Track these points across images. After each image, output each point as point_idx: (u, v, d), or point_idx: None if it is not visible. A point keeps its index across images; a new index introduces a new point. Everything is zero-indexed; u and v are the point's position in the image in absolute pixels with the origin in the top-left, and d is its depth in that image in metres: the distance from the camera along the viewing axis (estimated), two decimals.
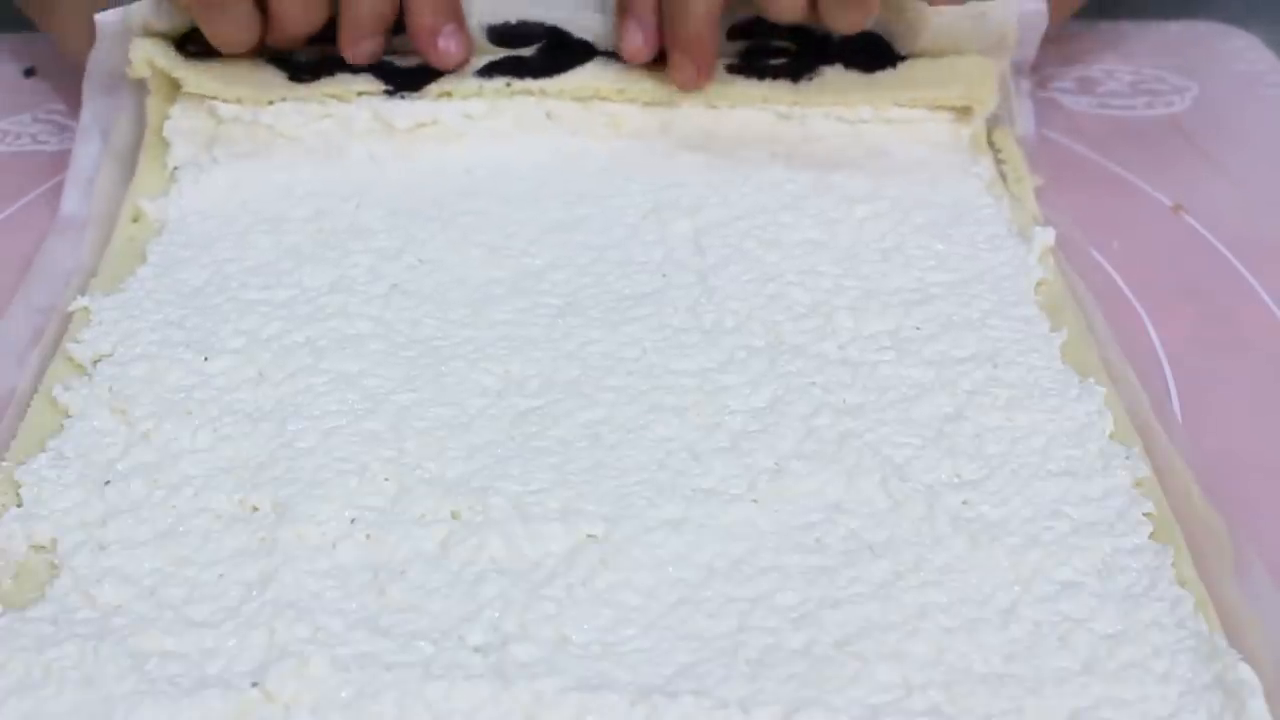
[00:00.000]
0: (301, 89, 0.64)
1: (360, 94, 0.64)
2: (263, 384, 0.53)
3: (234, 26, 0.61)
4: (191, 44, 0.64)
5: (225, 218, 0.61)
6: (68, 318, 0.57)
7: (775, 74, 0.66)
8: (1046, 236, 0.60)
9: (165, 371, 0.53)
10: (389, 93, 0.64)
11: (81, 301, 0.57)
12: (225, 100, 0.64)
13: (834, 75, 0.66)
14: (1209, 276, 0.62)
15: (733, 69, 0.66)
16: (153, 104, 0.65)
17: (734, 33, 0.67)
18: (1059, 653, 0.43)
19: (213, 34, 0.61)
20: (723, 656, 0.43)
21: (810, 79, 0.66)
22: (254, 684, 0.42)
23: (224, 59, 0.64)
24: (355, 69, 0.65)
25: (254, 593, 0.45)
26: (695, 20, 0.61)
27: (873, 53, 0.66)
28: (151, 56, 0.63)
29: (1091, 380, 0.53)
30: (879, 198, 0.62)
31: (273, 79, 0.65)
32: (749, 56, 0.67)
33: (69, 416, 0.51)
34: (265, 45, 0.64)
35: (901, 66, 0.66)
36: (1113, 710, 0.42)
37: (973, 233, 0.61)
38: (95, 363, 0.54)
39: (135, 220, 0.62)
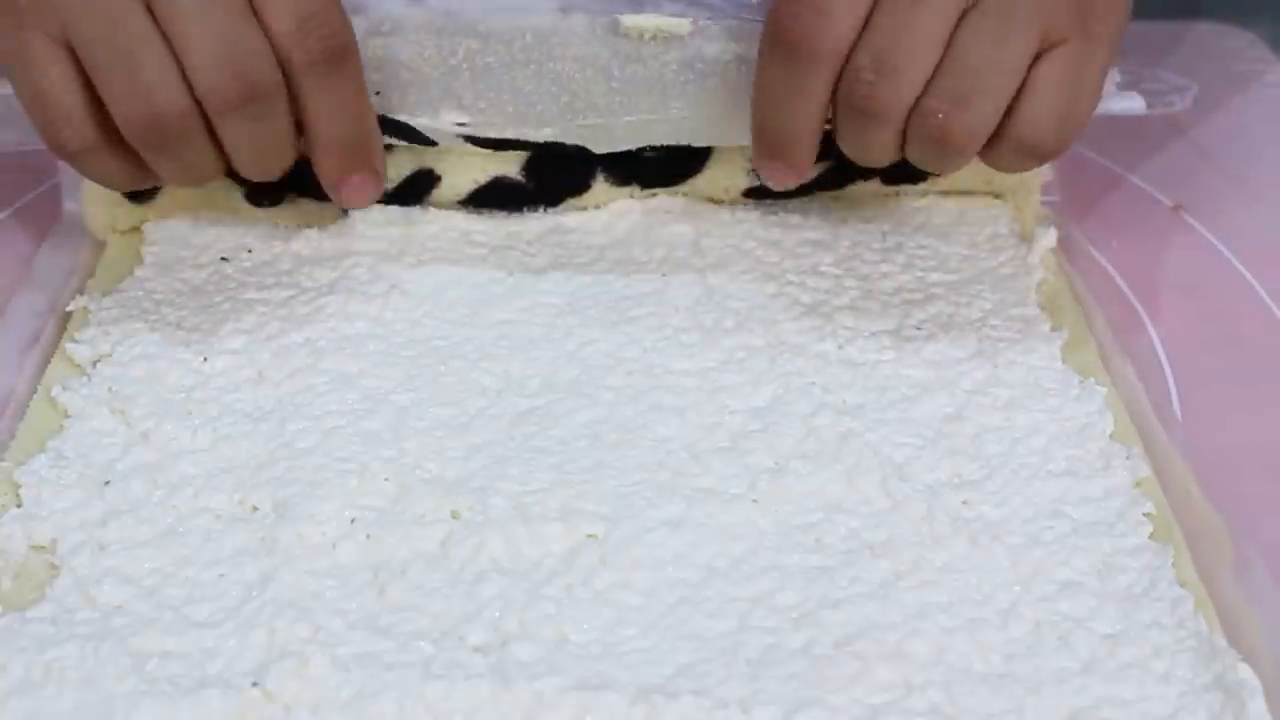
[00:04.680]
0: (260, 213, 0.61)
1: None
2: (263, 384, 0.53)
3: (185, 170, 0.53)
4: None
5: (220, 215, 0.61)
6: (66, 317, 0.57)
7: (807, 191, 0.62)
8: (1048, 237, 0.60)
9: (165, 372, 0.53)
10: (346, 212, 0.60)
11: (81, 301, 0.57)
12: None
13: (870, 187, 0.62)
14: (1209, 276, 0.62)
15: (759, 193, 0.61)
16: None
17: None
18: (1059, 653, 0.43)
19: (165, 176, 0.53)
20: (723, 656, 0.43)
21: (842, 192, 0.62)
22: (254, 684, 0.42)
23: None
24: (314, 188, 0.58)
25: (254, 593, 0.45)
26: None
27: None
28: (113, 220, 0.61)
29: (1091, 380, 0.53)
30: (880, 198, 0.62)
31: (231, 197, 0.61)
32: None
33: (69, 417, 0.51)
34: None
35: (942, 180, 0.62)
36: (1113, 710, 0.42)
37: (973, 233, 0.61)
38: (94, 363, 0.54)
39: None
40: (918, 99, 0.50)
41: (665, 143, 0.59)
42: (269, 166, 0.54)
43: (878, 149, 0.52)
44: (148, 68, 0.49)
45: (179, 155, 0.52)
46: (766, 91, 0.53)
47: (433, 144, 0.59)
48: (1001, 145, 0.52)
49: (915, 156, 0.52)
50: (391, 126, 0.57)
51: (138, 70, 0.49)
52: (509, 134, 0.58)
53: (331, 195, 0.56)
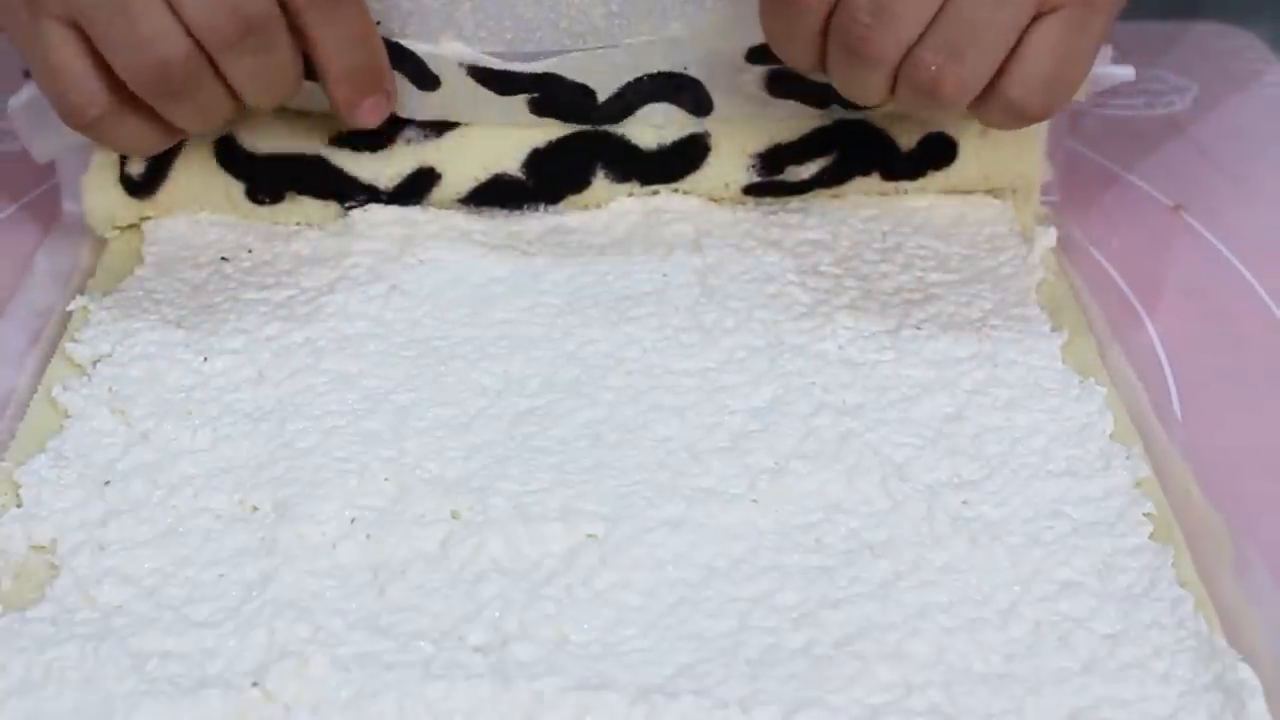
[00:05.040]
0: (261, 211, 0.61)
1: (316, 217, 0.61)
2: (263, 384, 0.53)
3: (200, 113, 0.54)
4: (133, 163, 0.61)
5: (221, 215, 0.61)
6: (66, 317, 0.57)
7: (806, 190, 0.62)
8: (1048, 237, 0.60)
9: (165, 372, 0.53)
10: (349, 208, 0.61)
11: (81, 301, 0.57)
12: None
13: (869, 183, 0.62)
14: (1209, 276, 0.62)
15: (759, 189, 0.62)
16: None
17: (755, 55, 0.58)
18: (1059, 653, 0.43)
19: (182, 123, 0.54)
20: (723, 656, 0.43)
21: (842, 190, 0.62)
22: (254, 684, 0.42)
23: (176, 179, 0.61)
24: (314, 186, 0.61)
25: (254, 593, 0.45)
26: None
27: (916, 158, 0.62)
28: (112, 213, 0.61)
29: (1091, 380, 0.53)
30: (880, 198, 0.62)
31: (231, 193, 0.61)
32: (772, 164, 0.61)
33: (69, 417, 0.51)
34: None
35: (940, 174, 0.62)
36: (1113, 710, 0.42)
37: (973, 233, 0.61)
38: (95, 363, 0.54)
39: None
40: (911, 47, 0.50)
41: (664, 69, 0.58)
42: (276, 95, 0.54)
43: (869, 90, 0.52)
44: (146, 21, 0.50)
45: (191, 98, 0.52)
46: (766, 29, 0.53)
47: (435, 85, 0.58)
48: (990, 102, 0.51)
49: (903, 103, 0.52)
50: (395, 60, 0.57)
51: (137, 25, 0.50)
52: (509, 66, 0.58)
53: (345, 120, 0.57)
